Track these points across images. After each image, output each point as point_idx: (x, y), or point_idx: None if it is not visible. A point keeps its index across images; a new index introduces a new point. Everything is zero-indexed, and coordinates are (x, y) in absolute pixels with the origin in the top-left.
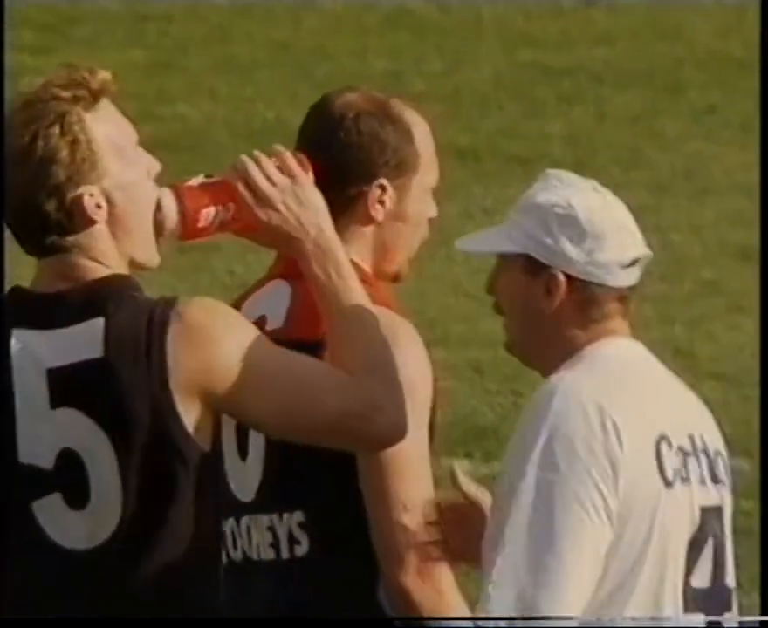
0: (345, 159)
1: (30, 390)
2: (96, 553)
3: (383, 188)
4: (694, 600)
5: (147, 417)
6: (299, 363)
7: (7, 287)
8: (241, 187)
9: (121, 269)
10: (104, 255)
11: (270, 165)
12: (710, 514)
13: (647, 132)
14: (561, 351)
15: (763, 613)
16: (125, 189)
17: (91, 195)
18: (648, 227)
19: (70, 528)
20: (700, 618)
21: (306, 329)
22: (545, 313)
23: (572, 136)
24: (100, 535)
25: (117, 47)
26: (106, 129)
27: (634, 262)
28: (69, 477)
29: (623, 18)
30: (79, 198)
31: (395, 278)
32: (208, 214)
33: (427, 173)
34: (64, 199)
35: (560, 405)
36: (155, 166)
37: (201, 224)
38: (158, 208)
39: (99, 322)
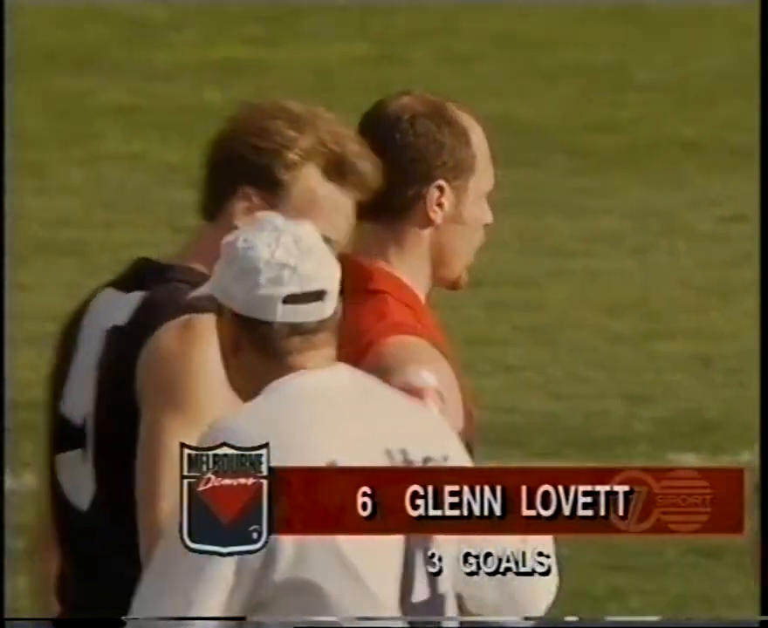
0: (402, 160)
1: (88, 347)
2: (87, 515)
3: (441, 190)
4: (414, 614)
5: (121, 390)
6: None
7: (7, 286)
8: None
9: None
10: None
11: None
12: None
13: None
14: (250, 391)
15: (763, 613)
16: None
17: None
18: None
19: (81, 485)
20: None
21: (349, 343)
22: (224, 351)
23: None
24: (88, 496)
25: (341, 40)
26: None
27: (297, 299)
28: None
29: None
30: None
31: (455, 286)
32: None
33: (483, 176)
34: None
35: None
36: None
37: None
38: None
39: (138, 295)
